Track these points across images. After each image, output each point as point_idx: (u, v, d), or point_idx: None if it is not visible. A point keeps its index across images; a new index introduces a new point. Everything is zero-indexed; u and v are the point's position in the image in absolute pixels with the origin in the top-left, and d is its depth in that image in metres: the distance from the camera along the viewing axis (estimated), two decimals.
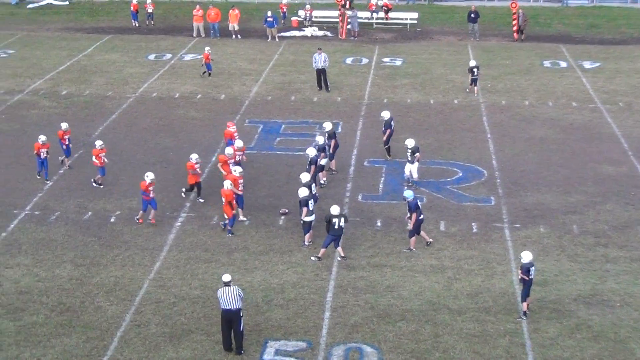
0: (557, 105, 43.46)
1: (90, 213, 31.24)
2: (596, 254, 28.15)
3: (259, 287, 26.07)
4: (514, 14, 57.85)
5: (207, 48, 49.36)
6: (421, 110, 42.75)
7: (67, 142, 34.92)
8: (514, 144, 37.86)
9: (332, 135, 34.22)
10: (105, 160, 33.20)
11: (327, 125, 34.68)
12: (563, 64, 51.29)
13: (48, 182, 33.41)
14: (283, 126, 40.31)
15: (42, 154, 33.27)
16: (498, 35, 59.36)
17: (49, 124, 40.22)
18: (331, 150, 33.96)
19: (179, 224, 30.39)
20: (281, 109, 42.88)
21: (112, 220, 30.74)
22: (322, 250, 27.76)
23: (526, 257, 24.03)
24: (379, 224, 30.42)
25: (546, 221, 30.50)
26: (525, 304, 24.22)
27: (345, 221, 27.89)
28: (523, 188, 33.26)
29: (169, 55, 53.31)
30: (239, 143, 33.82)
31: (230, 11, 58.18)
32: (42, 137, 33.51)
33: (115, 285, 26.27)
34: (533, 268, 24.02)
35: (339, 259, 27.70)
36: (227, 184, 29.54)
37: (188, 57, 53.00)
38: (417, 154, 32.83)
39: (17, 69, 50.13)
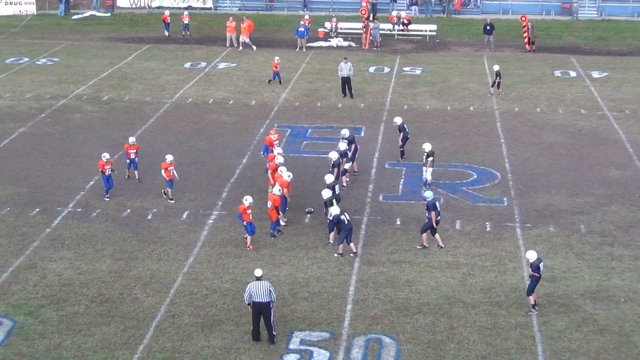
0: (567, 112, 43.27)
1: (128, 210, 31.36)
2: (602, 252, 28.01)
3: (285, 281, 26.10)
4: (524, 26, 57.75)
5: (276, 58, 49.21)
6: (439, 116, 42.66)
7: (132, 156, 33.57)
8: (525, 149, 37.71)
9: (351, 140, 34.12)
10: (175, 174, 31.97)
11: (345, 132, 34.46)
12: (573, 74, 51.07)
13: (107, 198, 32.15)
14: (309, 130, 40.31)
15: (106, 171, 31.95)
16: (512, 46, 59.18)
17: (91, 127, 40.51)
18: (350, 154, 33.87)
19: (211, 221, 30.44)
20: (308, 115, 42.89)
21: (149, 217, 30.83)
22: (340, 245, 27.73)
23: (531, 255, 23.96)
24: (398, 222, 30.37)
25: (555, 221, 30.37)
26: (531, 297, 24.12)
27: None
28: (534, 190, 33.13)
29: (203, 64, 53.46)
30: (279, 155, 32.00)
31: (241, 24, 58.06)
32: (106, 155, 32.14)
33: (152, 278, 26.36)
34: (542, 264, 23.94)
35: (351, 255, 27.64)
36: (276, 189, 29.22)
37: (221, 65, 53.14)
38: (430, 158, 32.74)
39: (62, 75, 50.41)
